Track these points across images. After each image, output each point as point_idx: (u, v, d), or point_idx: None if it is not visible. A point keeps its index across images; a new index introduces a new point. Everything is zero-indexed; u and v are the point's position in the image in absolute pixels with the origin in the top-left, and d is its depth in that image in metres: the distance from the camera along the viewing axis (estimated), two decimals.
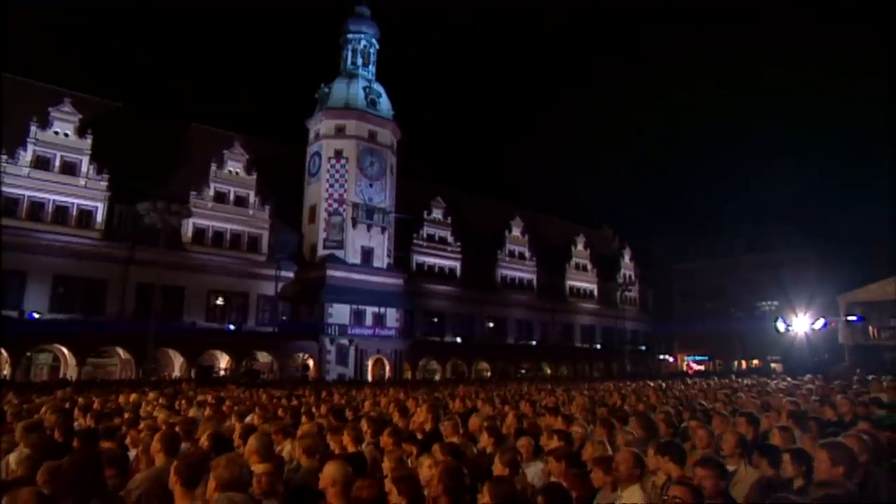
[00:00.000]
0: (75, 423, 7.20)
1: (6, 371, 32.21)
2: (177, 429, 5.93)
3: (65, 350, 34.82)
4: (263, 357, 41.83)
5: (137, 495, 3.94)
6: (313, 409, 9.14)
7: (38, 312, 34.22)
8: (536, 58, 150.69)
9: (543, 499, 3.09)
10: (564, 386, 19.18)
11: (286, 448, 5.61)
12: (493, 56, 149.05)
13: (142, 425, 6.40)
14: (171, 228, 36.11)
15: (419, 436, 5.82)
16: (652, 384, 19.24)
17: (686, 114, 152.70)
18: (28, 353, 34.28)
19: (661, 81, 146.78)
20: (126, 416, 7.93)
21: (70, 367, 34.49)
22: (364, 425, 6.15)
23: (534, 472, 4.85)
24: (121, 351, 36.45)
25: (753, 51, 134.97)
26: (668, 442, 4.40)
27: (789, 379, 20.47)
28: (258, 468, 3.71)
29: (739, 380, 24.30)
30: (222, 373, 38.44)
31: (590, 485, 3.76)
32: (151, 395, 12.41)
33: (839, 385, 13.98)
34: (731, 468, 4.53)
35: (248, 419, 8.39)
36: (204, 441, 5.04)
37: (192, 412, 8.61)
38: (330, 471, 3.62)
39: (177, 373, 37.29)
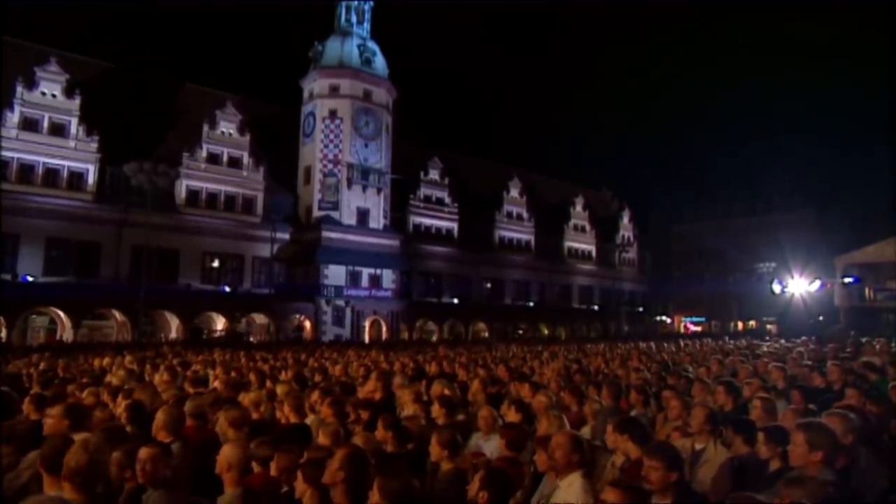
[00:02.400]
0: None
1: (3, 334, 32.18)
2: (121, 396, 5.67)
3: (60, 313, 34.76)
4: (260, 319, 41.83)
5: (29, 475, 3.53)
6: (282, 374, 8.86)
7: (31, 275, 34.02)
8: (535, 17, 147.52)
9: (481, 484, 2.75)
10: (553, 348, 18.95)
11: (220, 420, 5.25)
12: (491, 14, 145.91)
13: (85, 392, 6.11)
14: (162, 190, 35.72)
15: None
16: (644, 346, 19.04)
17: (686, 76, 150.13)
18: (24, 316, 34.21)
19: (661, 44, 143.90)
20: (84, 381, 7.68)
21: (66, 329, 34.47)
22: (315, 395, 5.82)
23: (493, 446, 4.51)
24: (117, 313, 36.37)
25: (754, 12, 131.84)
26: (628, 418, 4.06)
27: (782, 341, 20.26)
28: (142, 452, 3.29)
29: (732, 342, 24.07)
30: (218, 334, 38.39)
31: (522, 471, 3.34)
32: (128, 359, 12.20)
33: (832, 348, 13.71)
34: (699, 446, 4.23)
35: (213, 384, 8.15)
36: (121, 412, 4.75)
37: (157, 377, 8.34)
38: (225, 453, 3.27)
39: (174, 335, 37.32)
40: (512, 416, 4.77)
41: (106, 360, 11.72)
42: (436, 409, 5.20)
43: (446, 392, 6.01)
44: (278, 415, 5.66)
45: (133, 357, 12.74)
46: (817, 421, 3.59)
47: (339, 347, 19.63)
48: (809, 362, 10.05)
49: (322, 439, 4.32)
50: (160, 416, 4.15)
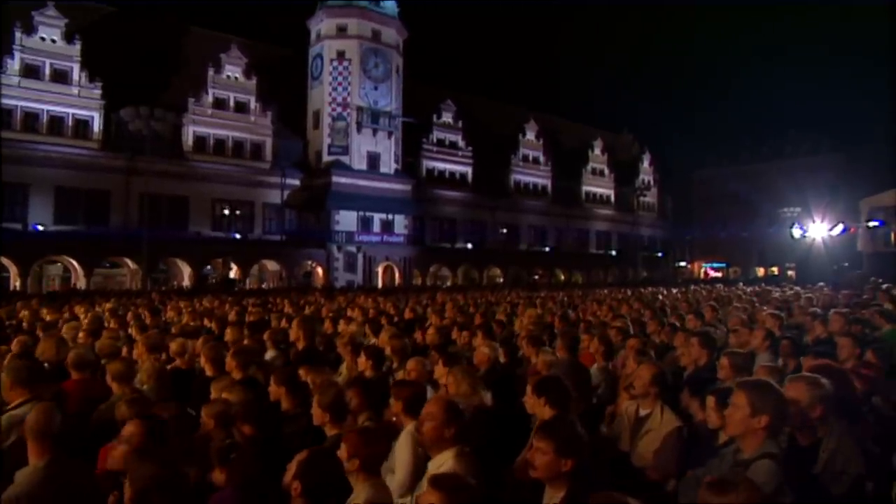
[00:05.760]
0: None
1: (17, 282, 32.51)
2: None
3: (73, 261, 34.94)
4: (272, 265, 41.81)
5: None
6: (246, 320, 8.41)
7: (42, 224, 34.09)
8: None
9: (296, 471, 2.16)
10: (553, 293, 18.32)
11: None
12: None
13: (15, 342, 5.69)
14: (168, 136, 35.34)
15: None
16: (650, 291, 18.32)
17: (714, 15, 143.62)
18: (38, 265, 34.45)
19: None
20: (35, 331, 7.35)
21: (79, 277, 34.71)
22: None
23: None
24: (128, 261, 36.48)
25: None
26: (548, 378, 3.41)
27: (797, 288, 19.35)
28: None
29: (746, 287, 23.16)
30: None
31: (380, 449, 2.70)
32: (107, 306, 11.88)
33: (845, 295, 12.86)
34: (644, 412, 3.60)
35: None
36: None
37: (112, 323, 7.96)
38: (29, 417, 2.68)
39: (186, 282, 37.49)
40: (439, 370, 4.19)
41: (78, 309, 11.37)
42: (361, 361, 4.62)
43: (393, 341, 5.43)
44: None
45: (113, 304, 12.41)
46: (764, 380, 2.90)
47: (335, 293, 19.23)
48: (817, 309, 9.26)
49: (214, 394, 3.82)
50: (3, 376, 3.63)
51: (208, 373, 4.74)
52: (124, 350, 6.06)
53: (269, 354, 6.09)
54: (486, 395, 3.83)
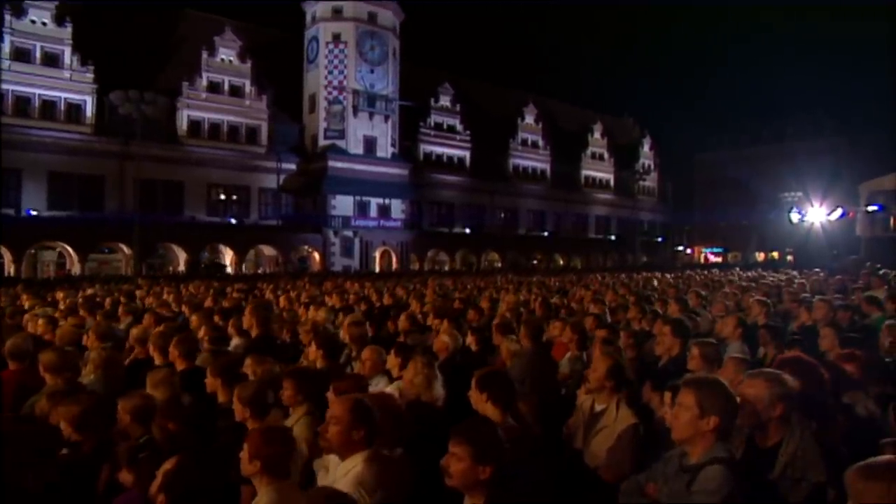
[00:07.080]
0: None
1: (11, 268, 32.34)
2: None
3: (68, 247, 34.76)
4: (269, 251, 41.62)
5: None
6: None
7: (35, 210, 33.87)
8: None
9: (161, 483, 1.96)
10: (543, 278, 18.11)
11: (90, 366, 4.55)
12: None
13: None
14: (162, 121, 35.00)
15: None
16: (641, 276, 18.10)
17: None
18: (31, 251, 34.28)
19: None
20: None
21: (74, 263, 34.56)
22: (202, 331, 5.09)
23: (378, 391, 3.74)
24: (123, 247, 36.29)
25: None
26: (493, 373, 3.17)
27: (792, 272, 19.08)
28: None
29: (740, 272, 22.89)
30: (228, 268, 38.23)
31: (282, 445, 2.46)
32: (90, 291, 11.71)
33: (838, 280, 12.60)
34: (599, 407, 3.38)
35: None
36: None
37: (83, 310, 7.79)
38: None
39: (181, 267, 37.30)
40: (391, 361, 3.98)
41: (60, 295, 11.19)
42: (312, 350, 4.40)
43: (352, 329, 5.21)
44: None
45: (96, 290, 12.23)
46: (713, 377, 2.64)
47: (324, 278, 19.05)
48: (806, 295, 9.03)
49: (149, 388, 3.61)
50: None
51: (157, 362, 4.54)
52: (84, 338, 5.89)
53: (235, 342, 5.91)
54: (439, 389, 3.60)
